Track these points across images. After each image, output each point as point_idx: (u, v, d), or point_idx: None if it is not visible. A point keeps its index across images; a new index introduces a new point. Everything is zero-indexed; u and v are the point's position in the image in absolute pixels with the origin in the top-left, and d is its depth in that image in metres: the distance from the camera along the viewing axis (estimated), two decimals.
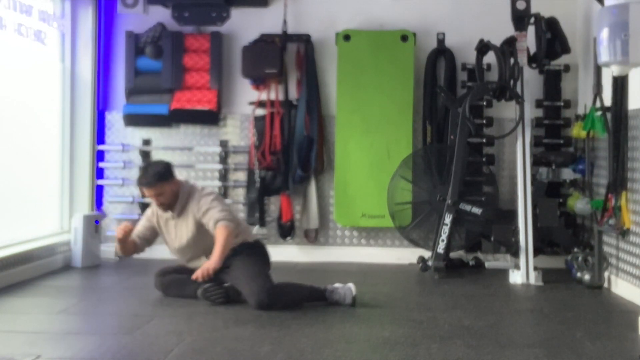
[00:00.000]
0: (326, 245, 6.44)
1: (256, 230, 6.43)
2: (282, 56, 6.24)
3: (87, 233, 6.00)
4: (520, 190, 5.64)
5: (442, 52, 6.28)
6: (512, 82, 5.69)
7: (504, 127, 6.19)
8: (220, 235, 4.43)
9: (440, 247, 5.60)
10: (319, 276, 5.37)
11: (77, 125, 6.31)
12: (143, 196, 4.90)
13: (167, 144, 6.52)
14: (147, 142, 6.53)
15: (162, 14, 6.48)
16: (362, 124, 6.20)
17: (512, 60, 5.70)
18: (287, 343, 3.67)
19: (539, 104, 6.16)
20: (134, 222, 6.42)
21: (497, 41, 5.75)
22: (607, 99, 5.19)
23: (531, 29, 5.74)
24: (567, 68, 6.10)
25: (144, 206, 6.48)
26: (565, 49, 5.79)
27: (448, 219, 5.59)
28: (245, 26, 6.44)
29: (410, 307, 4.57)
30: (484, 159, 6.13)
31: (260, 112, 6.36)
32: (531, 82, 5.93)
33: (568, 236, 5.92)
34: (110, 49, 6.55)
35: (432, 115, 6.21)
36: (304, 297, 4.48)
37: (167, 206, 4.64)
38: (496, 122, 6.19)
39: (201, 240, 4.59)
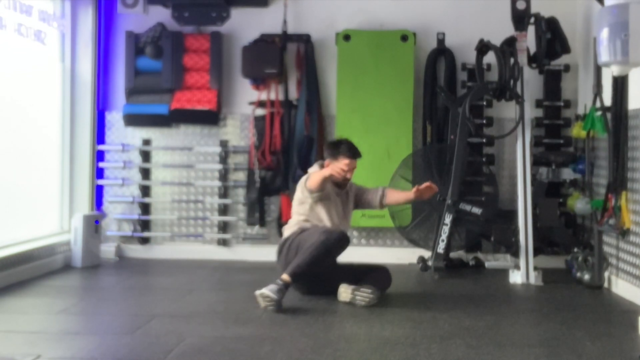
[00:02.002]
0: None
1: (256, 230, 6.45)
2: (282, 56, 6.24)
3: (87, 233, 5.99)
4: (520, 190, 5.64)
5: (442, 52, 6.28)
6: (512, 82, 5.69)
7: (504, 127, 6.19)
8: (396, 192, 5.08)
9: (440, 247, 5.60)
10: None
11: (77, 125, 6.31)
12: (344, 170, 4.65)
13: (167, 144, 6.52)
14: (147, 142, 6.53)
15: (162, 14, 6.48)
16: (362, 124, 6.20)
17: (512, 60, 5.70)
18: (287, 343, 3.67)
19: (539, 104, 6.17)
20: (134, 222, 6.49)
21: (497, 41, 5.75)
22: (607, 99, 5.19)
23: (531, 29, 5.74)
24: (567, 68, 6.11)
25: (144, 206, 6.49)
26: (565, 49, 5.79)
27: (448, 219, 5.60)
28: (245, 26, 6.44)
29: (410, 307, 4.56)
30: (484, 159, 6.14)
31: (260, 112, 6.37)
32: (531, 82, 5.93)
33: (568, 236, 5.93)
34: (110, 49, 6.55)
35: (432, 115, 6.21)
36: None
37: (347, 182, 4.85)
38: (496, 122, 6.19)
39: (349, 215, 4.96)
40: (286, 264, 4.59)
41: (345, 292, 4.56)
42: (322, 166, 4.82)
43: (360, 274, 4.76)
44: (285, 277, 4.42)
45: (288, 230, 4.84)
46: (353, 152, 4.74)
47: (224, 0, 6.37)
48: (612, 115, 5.10)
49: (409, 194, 4.93)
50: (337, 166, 4.68)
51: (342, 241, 4.58)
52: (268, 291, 4.32)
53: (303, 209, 4.78)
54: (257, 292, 4.37)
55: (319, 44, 6.40)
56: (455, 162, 5.66)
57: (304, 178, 4.80)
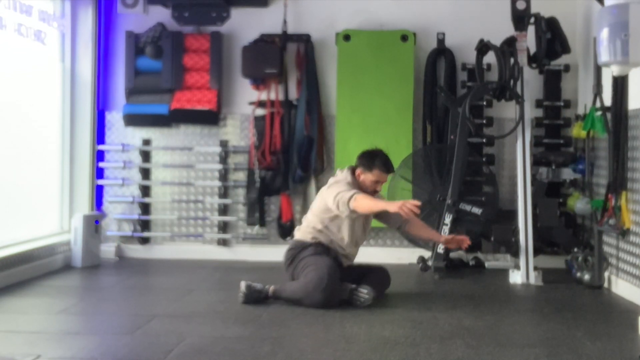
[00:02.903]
0: None
1: (256, 230, 6.45)
2: (282, 56, 6.24)
3: (87, 233, 5.99)
4: (520, 190, 5.64)
5: (442, 52, 6.28)
6: (512, 82, 5.69)
7: (504, 127, 6.19)
8: (422, 225, 4.95)
9: (440, 247, 5.60)
10: None
11: (77, 125, 6.31)
12: (375, 181, 4.62)
13: (167, 144, 6.52)
14: (147, 142, 6.53)
15: (162, 14, 6.48)
16: (362, 124, 6.20)
17: (512, 60, 5.70)
18: (287, 343, 3.67)
19: (539, 104, 6.17)
20: (134, 222, 6.49)
21: (497, 41, 5.75)
22: (607, 99, 5.19)
23: (531, 29, 5.74)
24: (567, 68, 6.11)
25: (144, 206, 6.49)
26: (565, 49, 5.79)
27: (448, 219, 5.60)
28: (245, 26, 6.44)
29: (410, 307, 4.56)
30: (484, 159, 6.13)
31: (260, 112, 6.37)
32: (531, 82, 5.93)
33: (568, 236, 5.92)
34: (110, 49, 6.55)
35: (432, 115, 6.21)
36: None
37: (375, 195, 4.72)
38: (496, 122, 6.19)
39: (369, 226, 4.86)
40: (291, 277, 4.67)
41: (343, 292, 4.57)
42: (353, 172, 4.69)
43: (360, 274, 4.76)
44: (272, 291, 4.57)
45: (301, 235, 4.75)
46: (387, 167, 4.69)
47: (224, 0, 6.37)
48: (612, 115, 5.10)
49: (435, 234, 4.95)
50: (368, 179, 4.64)
51: (328, 304, 4.46)
52: (252, 288, 4.53)
53: (326, 217, 4.65)
54: (244, 282, 4.56)
55: (319, 44, 6.40)
56: (455, 162, 5.66)
57: (337, 189, 4.52)
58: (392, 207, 4.37)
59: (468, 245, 4.76)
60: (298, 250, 4.67)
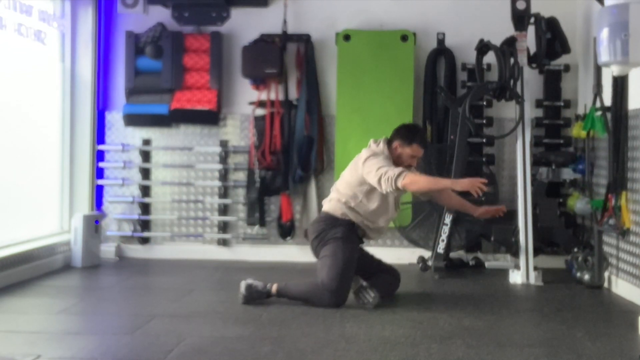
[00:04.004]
0: None
1: (256, 230, 6.44)
2: (282, 56, 6.24)
3: (87, 233, 6.00)
4: (520, 190, 5.64)
5: (442, 52, 6.28)
6: (512, 82, 5.69)
7: (504, 127, 6.19)
8: (455, 196, 4.87)
9: (440, 247, 5.60)
10: None
11: (77, 125, 6.31)
12: (412, 156, 4.58)
13: (167, 144, 6.52)
14: (147, 142, 6.53)
15: (162, 14, 6.48)
16: (362, 124, 6.20)
17: (512, 60, 5.70)
18: (287, 343, 3.67)
19: (539, 104, 6.17)
20: (134, 222, 6.49)
21: (497, 41, 5.75)
22: (607, 99, 5.19)
23: (531, 29, 5.74)
24: (567, 68, 6.11)
25: (144, 206, 6.49)
26: (565, 49, 5.79)
27: (448, 219, 5.59)
28: (245, 26, 6.44)
29: (410, 307, 4.56)
30: (484, 159, 6.13)
31: (260, 112, 6.36)
32: (531, 82, 5.93)
33: (568, 236, 5.92)
34: (110, 49, 6.55)
35: (432, 115, 6.21)
36: None
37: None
38: (496, 122, 6.19)
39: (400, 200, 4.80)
40: (314, 252, 4.64)
41: (353, 284, 4.58)
42: (388, 143, 4.61)
43: (373, 271, 4.76)
44: (274, 289, 4.54)
45: (331, 208, 4.63)
46: (426, 144, 4.72)
47: (224, 0, 6.37)
48: (612, 115, 5.10)
49: (469, 206, 4.83)
50: (406, 153, 4.58)
51: (336, 306, 4.46)
52: (252, 288, 4.50)
53: (360, 190, 4.52)
54: (243, 282, 4.54)
55: (319, 44, 6.40)
56: (455, 162, 5.66)
57: (377, 164, 4.38)
58: (458, 186, 4.38)
59: (503, 213, 4.68)
60: (327, 226, 4.57)
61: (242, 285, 4.55)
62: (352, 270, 4.51)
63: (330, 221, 4.59)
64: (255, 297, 4.53)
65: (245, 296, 4.51)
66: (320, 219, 4.69)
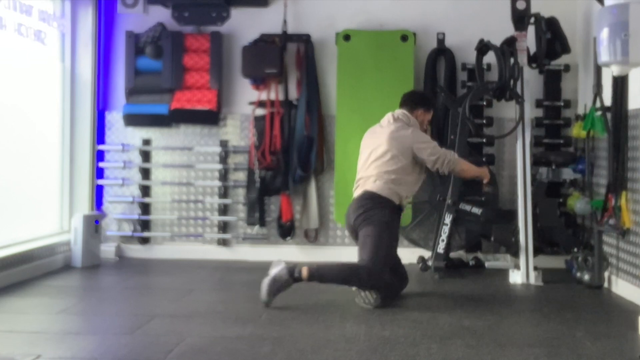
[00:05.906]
0: (326, 245, 6.44)
1: (256, 230, 6.45)
2: (282, 56, 6.24)
3: (87, 233, 6.00)
4: (520, 190, 5.64)
5: (442, 52, 6.28)
6: (512, 82, 5.69)
7: (504, 127, 6.19)
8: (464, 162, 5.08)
9: (440, 247, 5.60)
10: None
11: (77, 125, 6.32)
12: (430, 120, 5.04)
13: (167, 144, 6.52)
14: (147, 142, 6.53)
15: (162, 14, 6.48)
16: (362, 124, 6.14)
17: (512, 60, 5.70)
18: (287, 343, 3.67)
19: (539, 104, 6.17)
20: (134, 222, 6.49)
21: (497, 41, 5.75)
22: (607, 99, 5.19)
23: (531, 29, 5.74)
24: (567, 68, 6.11)
25: (144, 206, 6.49)
26: (565, 49, 5.79)
27: (448, 219, 5.59)
28: (245, 26, 6.44)
29: (410, 307, 4.57)
30: (484, 159, 6.13)
31: (260, 112, 6.36)
32: (531, 82, 5.93)
33: (568, 236, 5.92)
34: (110, 49, 6.55)
35: (432, 115, 6.20)
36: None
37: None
38: (496, 122, 6.19)
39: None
40: (353, 228, 4.72)
41: None
42: (412, 112, 4.87)
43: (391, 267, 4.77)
44: (305, 274, 4.43)
45: (376, 188, 4.66)
46: (431, 102, 5.13)
47: (224, 0, 6.37)
48: (612, 115, 5.10)
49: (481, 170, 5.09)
50: (427, 119, 4.94)
51: (373, 288, 4.52)
52: (274, 285, 4.40)
53: (406, 164, 4.70)
54: (265, 289, 4.41)
55: (319, 44, 6.40)
56: None
57: (428, 143, 4.74)
58: (485, 174, 4.98)
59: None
60: (375, 205, 4.63)
61: (264, 291, 4.40)
62: (393, 255, 4.74)
63: (378, 200, 4.66)
64: (282, 289, 4.44)
65: (266, 302, 4.40)
66: (366, 196, 4.69)
